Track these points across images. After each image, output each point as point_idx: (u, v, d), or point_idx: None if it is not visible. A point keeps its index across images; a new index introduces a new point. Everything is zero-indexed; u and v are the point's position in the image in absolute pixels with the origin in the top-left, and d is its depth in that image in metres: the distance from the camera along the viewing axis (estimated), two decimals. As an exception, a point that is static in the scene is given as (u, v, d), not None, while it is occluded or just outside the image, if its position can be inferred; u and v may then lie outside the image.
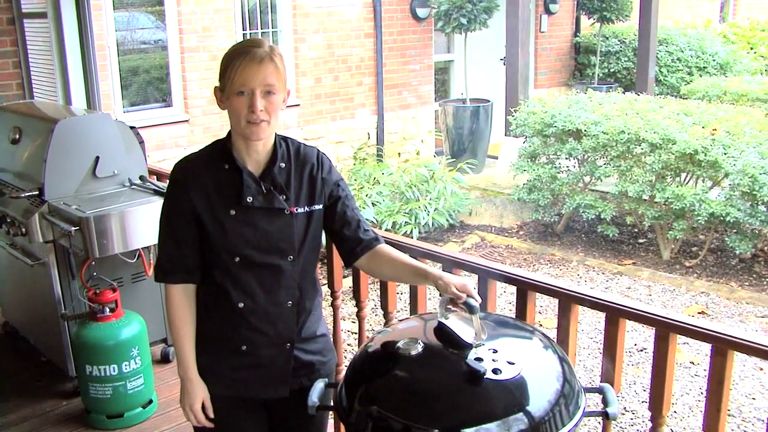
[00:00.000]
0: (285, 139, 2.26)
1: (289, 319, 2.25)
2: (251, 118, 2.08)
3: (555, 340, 2.68)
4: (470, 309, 2.02)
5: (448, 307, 2.09)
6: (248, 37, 8.54)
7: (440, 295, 2.11)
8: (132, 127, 4.40)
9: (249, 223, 2.16)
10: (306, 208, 2.22)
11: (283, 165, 2.20)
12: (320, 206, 2.26)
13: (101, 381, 3.79)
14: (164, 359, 4.44)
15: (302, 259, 2.23)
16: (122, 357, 3.79)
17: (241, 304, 2.19)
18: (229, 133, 2.21)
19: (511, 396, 1.89)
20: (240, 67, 2.06)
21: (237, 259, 2.16)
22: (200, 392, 2.26)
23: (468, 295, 2.04)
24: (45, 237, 3.91)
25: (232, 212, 2.15)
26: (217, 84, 2.17)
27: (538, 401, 1.91)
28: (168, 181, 2.25)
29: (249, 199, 2.15)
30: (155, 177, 4.51)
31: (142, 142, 4.41)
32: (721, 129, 7.06)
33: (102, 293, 3.80)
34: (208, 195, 2.15)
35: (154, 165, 5.07)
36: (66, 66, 5.24)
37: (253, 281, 2.18)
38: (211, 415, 2.28)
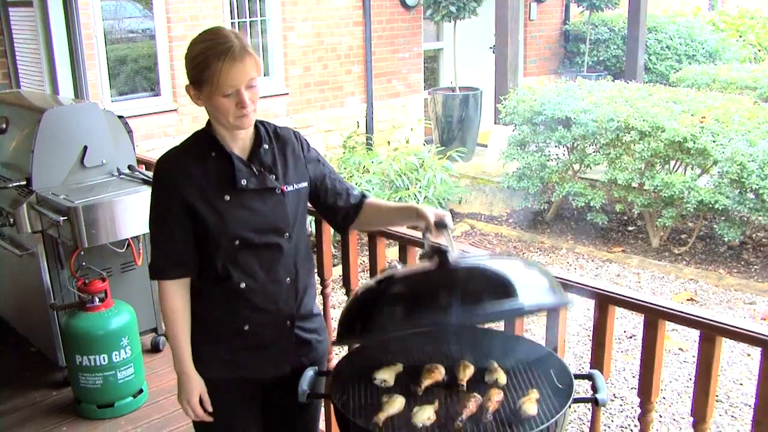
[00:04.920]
0: (260, 121, 2.27)
1: (289, 296, 2.27)
2: (241, 113, 2.09)
3: (545, 327, 2.71)
4: (441, 225, 2.16)
5: (427, 235, 2.19)
6: (236, 26, 8.51)
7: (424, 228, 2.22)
8: (120, 117, 4.39)
9: (245, 206, 2.17)
10: (294, 186, 2.26)
11: (266, 147, 2.22)
12: (305, 184, 2.30)
13: (91, 371, 3.78)
14: (154, 349, 4.43)
15: (296, 236, 2.27)
16: (112, 347, 3.78)
17: (242, 285, 2.20)
18: (209, 121, 2.21)
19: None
20: (222, 70, 2.03)
21: (237, 242, 2.17)
22: (197, 386, 2.27)
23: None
24: (33, 227, 3.90)
25: (227, 197, 2.16)
26: (187, 81, 2.15)
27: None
28: (153, 177, 2.24)
29: (243, 182, 2.16)
30: (144, 166, 4.50)
31: (130, 132, 4.39)
32: (710, 117, 7.09)
33: (91, 283, 3.79)
34: (200, 185, 2.15)
35: (143, 154, 5.05)
36: (53, 55, 5.21)
37: (254, 261, 2.20)
38: (209, 409, 2.29)
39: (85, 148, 4.09)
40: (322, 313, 3.19)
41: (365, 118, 9.69)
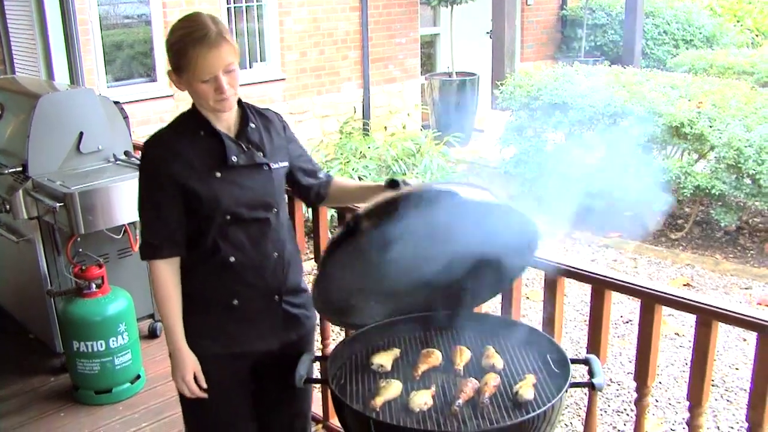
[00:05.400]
0: (244, 101, 2.33)
1: (276, 270, 2.33)
2: (219, 98, 2.15)
3: (542, 312, 2.71)
4: (393, 184, 2.24)
5: None
6: (232, 11, 8.47)
7: None
8: (116, 102, 4.37)
9: (235, 183, 2.23)
10: (279, 164, 2.34)
11: (253, 125, 2.30)
12: (286, 163, 2.39)
13: (89, 357, 3.79)
14: (151, 334, 4.44)
15: (282, 212, 2.36)
16: (109, 333, 3.79)
17: (232, 259, 2.25)
18: (194, 103, 2.26)
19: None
20: (198, 57, 2.09)
21: (228, 217, 2.23)
22: (191, 363, 2.31)
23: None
24: (29, 213, 3.89)
25: (218, 174, 2.21)
26: (168, 67, 2.21)
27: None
28: (142, 159, 2.28)
29: (234, 159, 2.22)
30: (140, 152, 4.48)
31: (126, 118, 4.38)
32: (707, 102, 7.08)
33: (88, 269, 3.80)
34: (191, 164, 2.20)
35: (139, 140, 5.02)
36: (48, 41, 5.19)
37: (243, 236, 2.26)
38: (204, 385, 2.33)
39: (81, 134, 4.08)
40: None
41: (362, 104, 9.67)
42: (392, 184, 2.26)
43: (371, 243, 2.05)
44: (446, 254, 2.19)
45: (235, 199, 2.22)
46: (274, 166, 2.32)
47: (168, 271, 2.26)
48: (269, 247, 2.31)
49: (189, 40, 2.10)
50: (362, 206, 2.11)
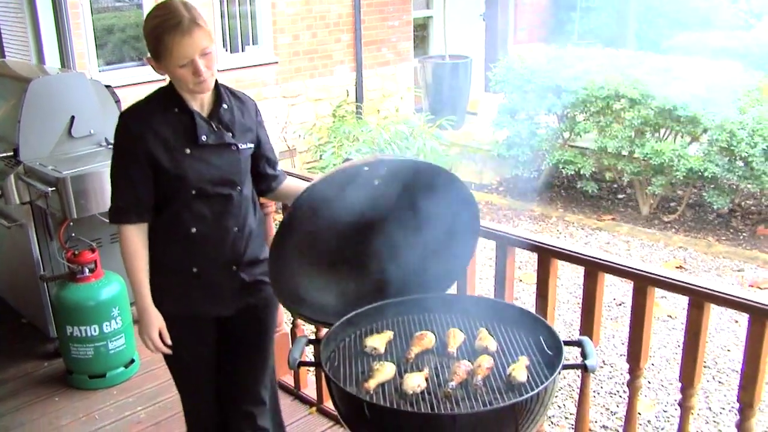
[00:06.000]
0: (220, 83, 2.42)
1: (235, 244, 2.46)
2: (198, 80, 2.26)
3: (535, 295, 2.72)
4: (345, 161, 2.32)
5: None
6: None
7: None
8: (108, 86, 4.36)
9: (203, 160, 2.36)
10: (247, 144, 2.46)
11: (226, 106, 2.41)
12: (253, 145, 2.50)
13: (82, 342, 3.79)
14: (145, 319, 4.44)
15: (245, 190, 2.48)
16: (103, 317, 3.79)
17: (193, 230, 2.39)
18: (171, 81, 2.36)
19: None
20: (174, 44, 2.19)
21: (194, 191, 2.36)
22: (156, 321, 2.44)
23: None
24: (21, 198, 3.88)
25: (188, 151, 2.34)
26: (148, 54, 2.32)
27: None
28: (117, 129, 2.37)
29: (203, 138, 2.35)
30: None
31: (118, 102, 4.37)
32: (701, 85, 7.08)
33: (81, 254, 3.79)
34: (164, 138, 2.32)
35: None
36: (38, 24, 5.16)
37: (206, 209, 2.39)
38: (168, 342, 2.47)
39: (73, 118, 4.06)
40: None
41: (355, 87, 9.63)
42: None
43: (317, 223, 2.28)
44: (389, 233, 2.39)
45: (201, 175, 2.35)
46: (241, 146, 2.43)
47: (136, 235, 2.38)
48: (230, 222, 2.43)
49: (164, 28, 2.20)
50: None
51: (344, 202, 2.28)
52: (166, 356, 2.59)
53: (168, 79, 2.35)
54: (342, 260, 2.47)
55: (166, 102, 2.35)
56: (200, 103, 2.38)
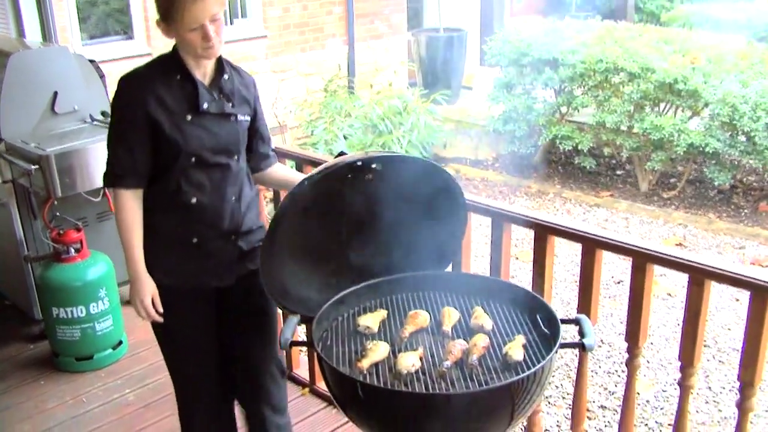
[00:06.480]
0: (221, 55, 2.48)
1: (234, 213, 2.52)
2: (206, 45, 2.31)
3: (532, 272, 2.73)
4: (340, 155, 2.40)
5: None
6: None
7: None
8: (91, 61, 4.33)
9: (204, 127, 2.41)
10: (245, 116, 2.53)
11: (227, 77, 2.47)
12: (250, 118, 2.57)
13: (69, 323, 3.79)
14: (133, 300, 4.43)
15: (242, 160, 2.56)
16: (89, 298, 3.79)
17: (193, 200, 2.44)
18: (175, 47, 2.41)
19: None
20: (186, 8, 2.23)
21: (193, 159, 2.41)
22: (149, 288, 2.47)
23: None
24: (3, 177, 3.87)
25: (189, 117, 2.39)
26: (157, 17, 2.35)
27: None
28: (117, 92, 2.40)
29: (205, 105, 2.40)
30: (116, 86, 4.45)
31: (102, 77, 4.34)
32: (702, 57, 7.07)
33: (66, 233, 3.78)
34: (165, 103, 2.36)
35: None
36: (18, -4, 5.11)
37: (205, 179, 2.44)
38: (160, 309, 2.49)
39: (56, 93, 4.04)
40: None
41: (347, 61, 9.59)
42: (340, 155, 2.44)
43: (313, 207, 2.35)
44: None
45: (202, 142, 2.40)
46: (240, 117, 2.50)
47: (131, 200, 2.42)
48: (228, 191, 2.49)
49: None
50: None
51: (335, 198, 2.37)
52: (161, 336, 2.64)
53: (172, 45, 2.40)
54: (326, 255, 2.52)
55: (168, 68, 2.40)
56: (203, 72, 2.42)
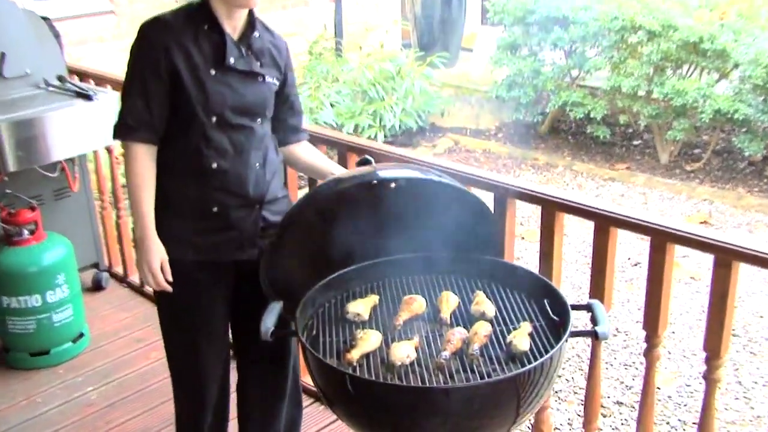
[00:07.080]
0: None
1: (258, 181, 2.55)
2: None
3: (539, 253, 2.73)
4: (365, 162, 2.51)
5: None
6: None
7: None
8: (45, 18, 4.29)
9: (228, 84, 2.44)
10: (274, 79, 2.57)
11: (257, 34, 2.51)
12: (278, 83, 2.60)
13: (21, 314, 3.78)
14: (96, 286, 4.44)
15: (267, 124, 2.59)
16: (45, 285, 3.78)
17: (214, 165, 2.46)
18: None
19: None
20: None
21: (214, 119, 2.43)
22: (158, 252, 2.48)
23: None
24: (-54, 149, 3.84)
25: (212, 72, 2.42)
26: None
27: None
28: (138, 38, 2.43)
29: (231, 60, 2.44)
30: (76, 77, 4.43)
31: (58, 36, 4.30)
32: (732, 12, 7.05)
33: (18, 213, 3.77)
34: (189, 54, 2.39)
35: (75, 63, 4.96)
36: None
37: (226, 142, 2.47)
38: (169, 278, 2.50)
39: (3, 54, 4.00)
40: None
41: (333, 20, 9.56)
42: (364, 162, 2.52)
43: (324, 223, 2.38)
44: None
45: (224, 100, 2.43)
46: (268, 79, 2.54)
47: (144, 156, 2.44)
48: (252, 156, 2.52)
49: None
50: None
51: (350, 208, 2.37)
52: (166, 316, 2.68)
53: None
54: (332, 266, 2.47)
55: (195, 17, 2.43)
56: (233, 25, 2.45)
